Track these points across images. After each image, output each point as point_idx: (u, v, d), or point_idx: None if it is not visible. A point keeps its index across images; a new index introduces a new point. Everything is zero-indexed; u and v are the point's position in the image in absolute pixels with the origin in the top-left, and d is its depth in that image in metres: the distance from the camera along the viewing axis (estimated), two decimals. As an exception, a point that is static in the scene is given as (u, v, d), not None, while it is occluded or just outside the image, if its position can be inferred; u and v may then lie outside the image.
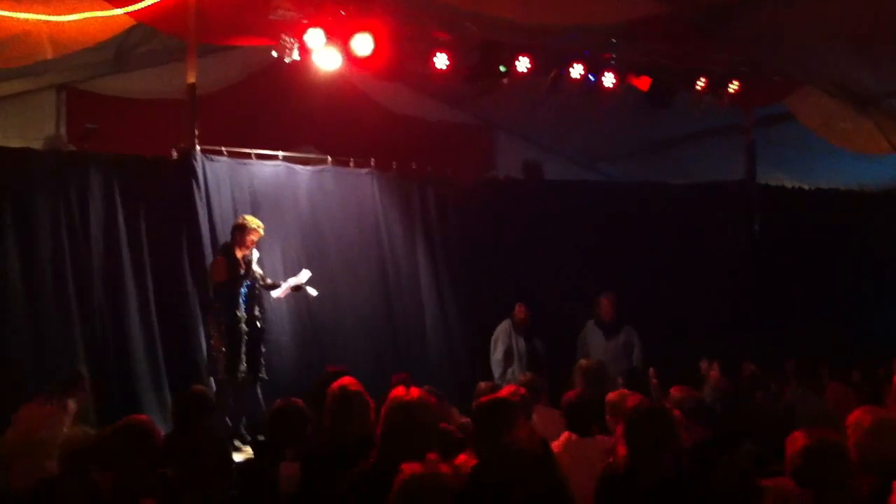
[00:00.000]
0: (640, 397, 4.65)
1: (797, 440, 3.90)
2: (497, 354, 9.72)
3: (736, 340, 9.85)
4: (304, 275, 8.80)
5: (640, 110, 10.64)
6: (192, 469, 4.92)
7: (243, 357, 8.22)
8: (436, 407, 4.74)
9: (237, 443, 8.11)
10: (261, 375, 8.48)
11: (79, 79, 10.82)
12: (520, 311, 9.78)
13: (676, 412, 5.17)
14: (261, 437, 7.25)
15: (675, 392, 6.05)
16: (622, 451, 4.42)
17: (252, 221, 8.43)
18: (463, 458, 4.49)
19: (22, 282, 8.08)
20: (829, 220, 11.92)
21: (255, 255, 8.50)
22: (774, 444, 4.94)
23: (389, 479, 3.27)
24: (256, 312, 8.47)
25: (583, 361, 7.77)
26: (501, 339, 9.75)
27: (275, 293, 8.76)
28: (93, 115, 10.36)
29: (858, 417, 3.91)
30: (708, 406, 6.28)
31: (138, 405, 8.17)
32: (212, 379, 8.30)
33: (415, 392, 4.52)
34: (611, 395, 5.89)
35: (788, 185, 12.26)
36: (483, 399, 4.87)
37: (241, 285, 8.32)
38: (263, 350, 8.55)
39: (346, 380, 5.42)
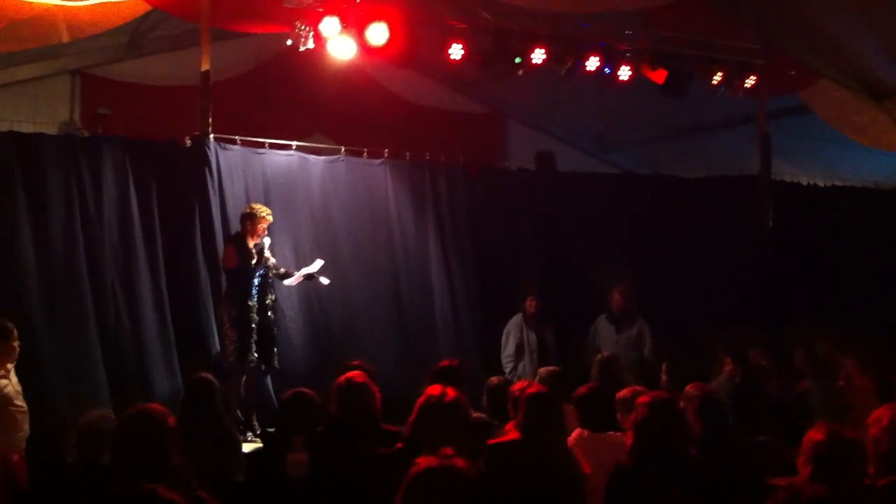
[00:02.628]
0: (649, 394, 4.62)
1: (814, 435, 3.86)
2: (508, 349, 9.66)
3: (748, 335, 9.80)
4: (317, 264, 8.80)
5: (652, 99, 10.57)
6: (198, 454, 4.93)
7: (253, 346, 8.22)
8: (468, 409, 4.79)
9: (249, 435, 8.10)
10: (274, 365, 8.50)
11: (93, 63, 10.84)
12: (531, 304, 9.71)
13: (691, 407, 5.15)
14: (270, 430, 7.28)
15: (690, 389, 6.00)
16: (630, 446, 4.42)
17: (260, 209, 8.42)
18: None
19: (36, 266, 8.09)
20: (843, 216, 11.83)
21: (267, 241, 8.47)
22: (788, 436, 4.92)
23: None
24: (268, 301, 8.49)
25: (600, 355, 7.74)
26: (513, 332, 9.69)
27: (287, 282, 8.76)
28: (106, 100, 10.40)
29: (879, 414, 3.86)
30: (720, 400, 6.22)
31: (151, 389, 8.23)
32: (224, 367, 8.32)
33: (451, 393, 4.55)
34: (621, 393, 5.84)
35: (803, 179, 12.16)
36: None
37: (254, 274, 8.32)
38: (277, 338, 8.58)
39: (353, 372, 5.50)
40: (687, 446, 4.47)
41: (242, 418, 8.23)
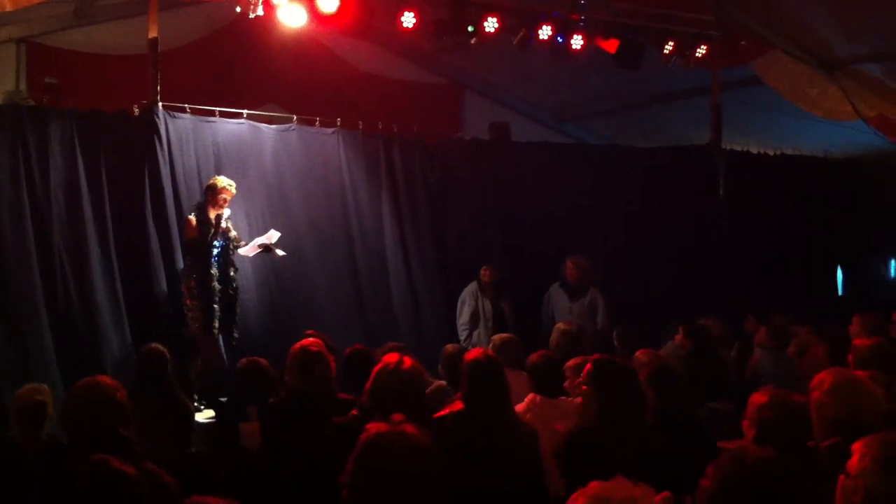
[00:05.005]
0: (601, 357, 4.65)
1: (758, 399, 3.93)
2: (463, 317, 9.68)
3: (701, 303, 9.92)
4: (274, 235, 8.74)
5: (609, 71, 10.60)
6: (151, 425, 4.90)
7: (217, 314, 8.23)
8: (425, 376, 4.78)
9: (202, 405, 8.07)
10: (234, 336, 8.51)
11: (39, 32, 10.60)
12: (486, 273, 9.74)
13: (642, 374, 5.21)
14: (223, 399, 7.25)
15: (640, 355, 6.07)
16: (586, 410, 4.45)
17: (221, 181, 8.44)
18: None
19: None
20: (793, 185, 12.00)
21: (226, 213, 8.48)
22: (740, 402, 5.00)
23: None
24: (231, 273, 8.51)
25: (561, 324, 7.78)
26: (468, 301, 9.72)
27: (241, 251, 8.69)
28: (54, 69, 10.16)
29: (821, 377, 3.93)
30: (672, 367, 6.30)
31: (102, 362, 8.11)
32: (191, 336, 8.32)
33: (408, 361, 4.55)
34: (570, 362, 5.90)
35: (754, 149, 12.30)
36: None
37: (212, 245, 8.33)
38: (238, 311, 8.59)
39: (308, 340, 5.48)
40: (643, 412, 4.52)
41: (200, 389, 8.20)
